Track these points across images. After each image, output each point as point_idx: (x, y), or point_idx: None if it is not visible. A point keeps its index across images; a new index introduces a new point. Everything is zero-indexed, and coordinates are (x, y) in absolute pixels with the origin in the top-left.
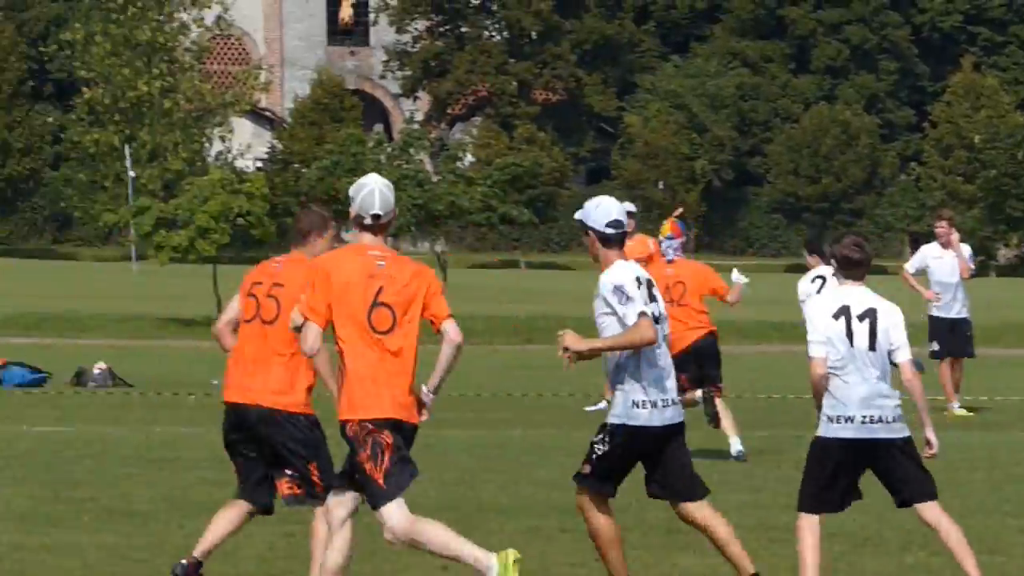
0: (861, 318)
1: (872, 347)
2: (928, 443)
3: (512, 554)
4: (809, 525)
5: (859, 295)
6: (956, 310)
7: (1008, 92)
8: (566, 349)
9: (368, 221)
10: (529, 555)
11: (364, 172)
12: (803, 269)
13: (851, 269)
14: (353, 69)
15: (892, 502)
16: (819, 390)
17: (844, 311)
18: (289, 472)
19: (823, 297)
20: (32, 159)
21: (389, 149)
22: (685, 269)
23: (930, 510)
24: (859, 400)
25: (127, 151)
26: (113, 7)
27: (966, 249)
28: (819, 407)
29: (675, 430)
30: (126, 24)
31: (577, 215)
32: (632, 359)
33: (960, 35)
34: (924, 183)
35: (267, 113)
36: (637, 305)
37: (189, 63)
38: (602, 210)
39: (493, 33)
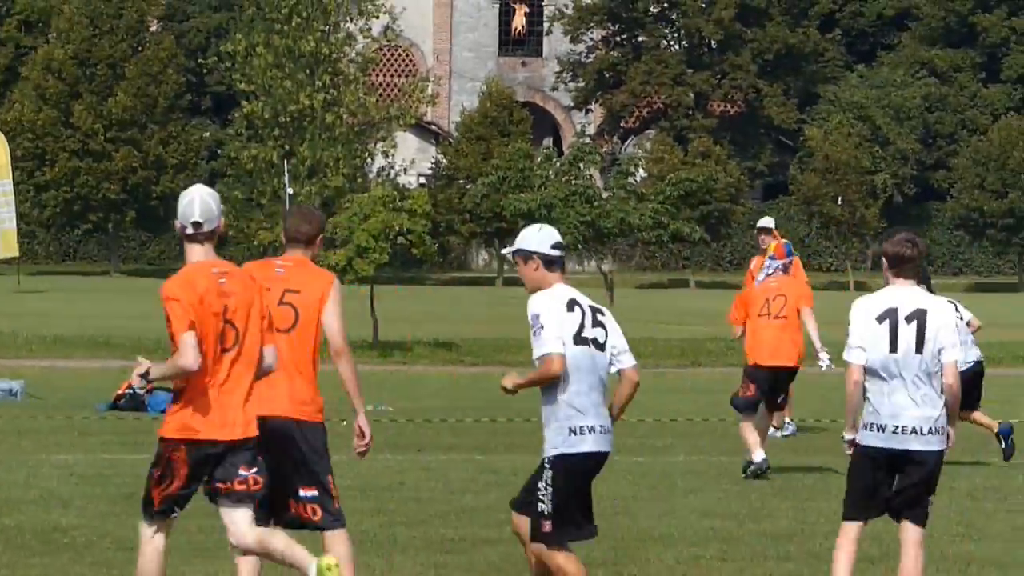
0: (909, 319)
1: (919, 350)
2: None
3: (328, 559)
4: (846, 532)
5: (908, 295)
6: None
7: None
8: (504, 389)
9: (189, 230)
10: None
11: (531, 188)
12: (987, 289)
13: (902, 266)
14: (524, 81)
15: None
16: (854, 399)
17: (890, 314)
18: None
19: (868, 299)
20: (186, 176)
21: (558, 164)
22: (788, 285)
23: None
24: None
25: (286, 167)
26: (277, 17)
27: None
28: (851, 417)
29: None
30: (290, 35)
31: (515, 245)
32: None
33: None
34: None
35: (432, 127)
36: (546, 339)
37: (354, 75)
38: (546, 233)
39: (671, 43)
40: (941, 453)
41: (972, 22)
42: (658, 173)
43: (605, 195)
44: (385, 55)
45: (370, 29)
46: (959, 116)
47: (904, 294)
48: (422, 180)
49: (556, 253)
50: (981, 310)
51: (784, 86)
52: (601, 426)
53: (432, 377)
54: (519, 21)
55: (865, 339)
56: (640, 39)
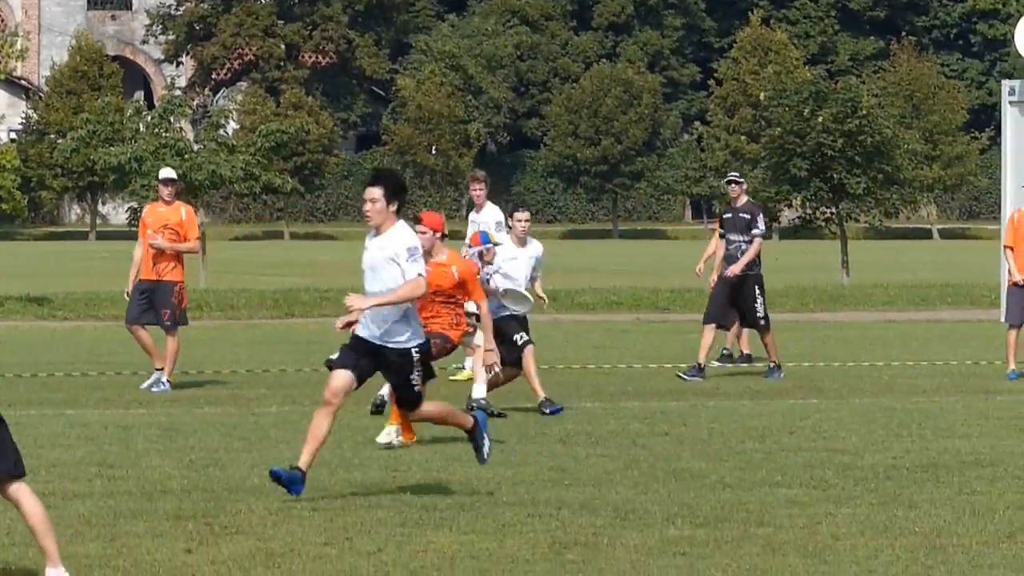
0: None
1: None
2: None
3: None
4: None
5: None
6: None
7: (798, 47)
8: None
9: None
10: (280, 535)
11: (122, 142)
12: (585, 236)
13: None
14: (114, 34)
15: (657, 474)
16: None
17: None
18: None
19: None
20: None
21: (148, 117)
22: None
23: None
24: None
25: None
26: None
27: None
28: None
29: None
30: None
31: None
32: None
33: None
34: (707, 143)
35: (22, 82)
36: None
37: None
38: None
39: None
40: None
41: None
42: (250, 125)
43: (196, 148)
44: None
45: None
46: (551, 64)
47: None
48: (12, 135)
49: None
50: (576, 257)
51: (376, 36)
52: None
53: (23, 332)
54: None
55: None
56: None
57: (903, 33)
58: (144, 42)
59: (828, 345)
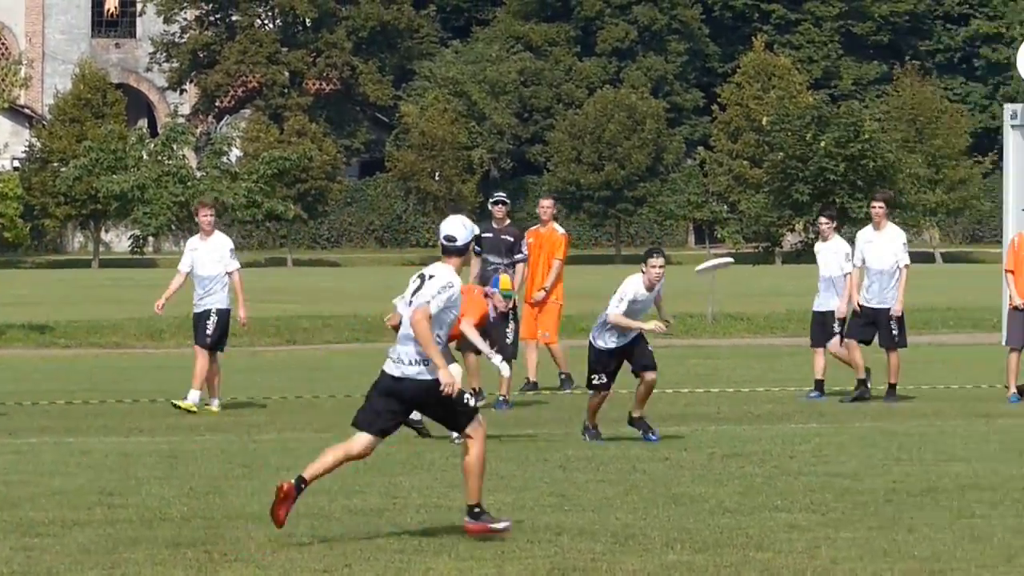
0: None
1: None
2: None
3: None
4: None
5: None
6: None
7: (801, 71)
8: None
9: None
10: (278, 562)
11: (125, 170)
12: (588, 261)
13: None
14: (118, 62)
15: (656, 500)
16: None
17: None
18: None
19: None
20: None
21: (152, 145)
22: None
23: None
24: None
25: None
26: None
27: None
28: None
29: None
30: None
31: None
32: None
33: (753, 13)
34: (710, 168)
35: (26, 110)
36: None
37: None
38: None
39: (265, 21)
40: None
41: None
42: (253, 152)
43: (199, 175)
44: None
45: None
46: (555, 90)
47: None
48: (16, 164)
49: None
50: (580, 282)
51: (379, 63)
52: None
53: (26, 360)
54: (112, 2)
55: None
56: (234, 18)
57: (906, 57)
58: (148, 70)
59: (829, 369)
